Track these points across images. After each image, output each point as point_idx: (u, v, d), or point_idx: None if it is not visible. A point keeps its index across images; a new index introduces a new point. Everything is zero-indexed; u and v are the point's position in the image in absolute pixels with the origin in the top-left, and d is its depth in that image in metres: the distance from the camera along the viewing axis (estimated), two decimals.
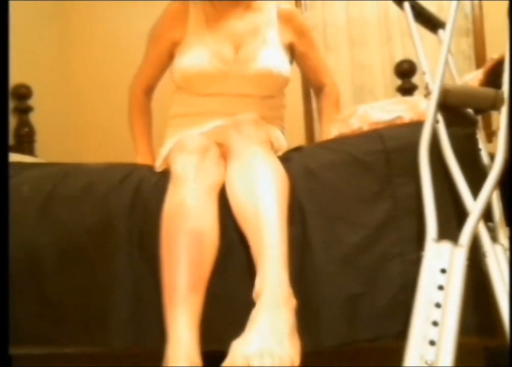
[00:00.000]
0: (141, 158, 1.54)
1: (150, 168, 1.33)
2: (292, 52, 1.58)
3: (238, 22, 1.49)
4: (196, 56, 1.44)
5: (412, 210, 1.04)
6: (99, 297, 1.10)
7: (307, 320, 0.99)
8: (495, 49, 2.48)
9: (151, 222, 1.08)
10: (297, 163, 1.14)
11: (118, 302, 1.08)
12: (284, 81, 1.50)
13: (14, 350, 0.96)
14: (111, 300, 1.08)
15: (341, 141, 1.18)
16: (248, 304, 1.04)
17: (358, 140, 1.15)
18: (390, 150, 1.09)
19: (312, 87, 1.71)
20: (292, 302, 0.92)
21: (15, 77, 2.18)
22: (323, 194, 1.08)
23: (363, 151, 1.11)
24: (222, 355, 1.01)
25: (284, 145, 1.42)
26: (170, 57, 1.54)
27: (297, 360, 0.84)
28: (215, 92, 1.45)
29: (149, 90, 1.63)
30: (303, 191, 1.08)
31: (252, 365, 0.80)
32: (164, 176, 1.15)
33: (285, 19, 1.54)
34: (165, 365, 0.90)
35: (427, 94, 1.11)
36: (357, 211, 1.07)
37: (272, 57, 1.46)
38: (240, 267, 1.06)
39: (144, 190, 1.15)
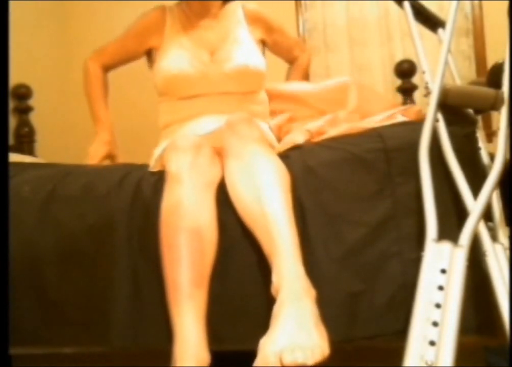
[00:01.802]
0: (100, 126, 1.56)
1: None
2: (264, 46, 1.64)
3: (210, 32, 1.54)
4: (176, 59, 1.47)
5: (412, 209, 1.04)
6: (100, 297, 1.10)
7: None
8: (495, 49, 2.48)
9: (151, 221, 1.08)
10: (296, 161, 1.14)
11: (118, 301, 1.08)
12: (262, 76, 1.53)
13: (13, 351, 0.96)
14: (112, 300, 1.08)
15: (341, 140, 1.18)
16: (250, 300, 1.04)
17: (358, 139, 1.15)
18: (390, 148, 1.09)
19: (288, 63, 1.79)
20: (312, 292, 0.93)
21: (15, 77, 2.17)
22: (323, 192, 1.08)
23: (363, 149, 1.11)
24: (226, 354, 1.01)
25: (273, 139, 1.43)
26: (136, 57, 1.61)
27: (326, 350, 0.84)
28: (198, 93, 1.47)
29: (106, 68, 1.67)
30: (302, 189, 1.08)
31: (285, 362, 0.79)
32: (164, 175, 1.16)
33: (253, 19, 1.60)
34: (174, 365, 0.90)
35: (427, 94, 1.11)
36: (357, 209, 1.07)
37: (245, 54, 1.49)
38: (241, 263, 1.06)
39: (144, 190, 1.15)
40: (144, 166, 1.34)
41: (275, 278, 0.94)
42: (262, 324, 0.91)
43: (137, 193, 1.14)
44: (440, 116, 1.07)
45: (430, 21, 1.37)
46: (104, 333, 1.08)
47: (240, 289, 1.05)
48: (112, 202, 1.14)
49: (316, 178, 1.10)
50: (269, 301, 0.94)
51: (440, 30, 1.38)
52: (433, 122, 1.05)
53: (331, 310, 1.00)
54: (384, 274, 1.03)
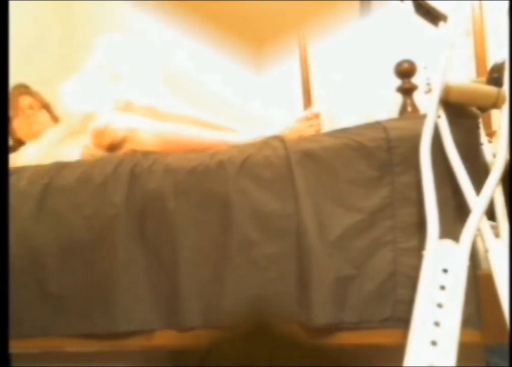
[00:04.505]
0: None
1: (143, 153, 1.30)
2: None
3: None
4: None
5: (409, 199, 1.04)
6: (101, 282, 1.11)
7: (301, 296, 1.02)
8: (496, 49, 2.48)
9: (149, 204, 1.10)
10: (297, 143, 1.14)
11: (120, 286, 1.10)
12: None
13: (15, 344, 0.97)
14: (114, 285, 1.10)
15: (345, 130, 1.18)
16: None
17: (362, 130, 1.15)
18: (393, 138, 1.08)
19: None
20: None
21: (16, 77, 2.17)
22: (322, 174, 1.08)
23: (365, 137, 1.11)
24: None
25: None
26: None
27: None
28: None
29: None
30: (300, 170, 1.08)
31: None
32: (158, 159, 1.17)
33: None
34: None
35: (428, 90, 1.10)
36: (355, 194, 1.07)
37: None
38: None
39: (139, 175, 1.15)
40: (136, 154, 1.33)
41: None
42: None
43: (133, 179, 1.15)
44: (442, 112, 1.06)
45: (431, 15, 1.35)
46: (108, 318, 1.09)
47: None
48: (109, 190, 1.14)
49: (316, 160, 1.09)
50: None
51: (441, 24, 1.36)
52: (435, 119, 1.05)
53: (321, 292, 1.00)
54: (375, 261, 1.03)
